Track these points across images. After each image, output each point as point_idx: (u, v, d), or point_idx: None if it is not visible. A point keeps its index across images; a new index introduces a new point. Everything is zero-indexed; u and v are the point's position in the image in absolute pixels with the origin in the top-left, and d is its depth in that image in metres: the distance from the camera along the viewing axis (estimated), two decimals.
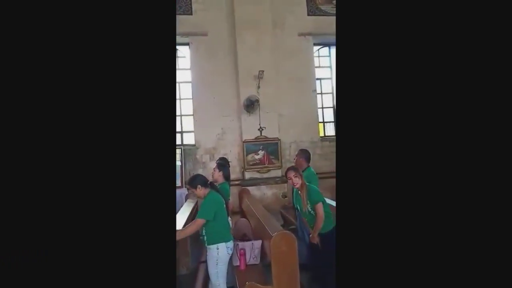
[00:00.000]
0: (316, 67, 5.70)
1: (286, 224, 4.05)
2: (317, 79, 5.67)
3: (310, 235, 2.46)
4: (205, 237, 2.10)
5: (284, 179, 5.00)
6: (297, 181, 2.49)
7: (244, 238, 2.86)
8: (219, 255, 2.07)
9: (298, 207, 2.57)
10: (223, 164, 2.99)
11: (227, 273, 2.29)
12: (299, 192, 2.54)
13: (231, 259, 2.30)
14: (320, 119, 5.70)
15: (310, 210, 2.44)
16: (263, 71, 4.80)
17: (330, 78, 5.87)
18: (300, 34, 5.44)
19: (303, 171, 3.21)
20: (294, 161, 3.44)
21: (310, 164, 3.31)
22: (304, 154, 3.29)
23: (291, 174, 2.52)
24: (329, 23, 5.53)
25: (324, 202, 2.46)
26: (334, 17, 5.49)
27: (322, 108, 5.77)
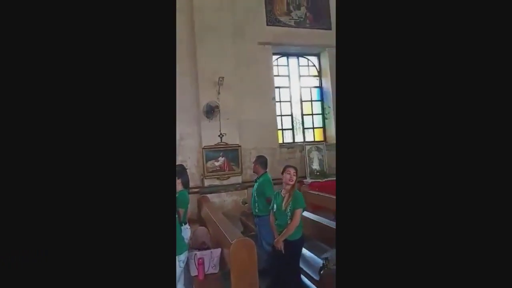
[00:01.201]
0: (275, 75, 5.86)
1: (246, 230, 4.04)
2: (276, 87, 5.83)
3: (275, 240, 2.44)
4: None
5: (244, 185, 5.04)
6: (294, 179, 2.49)
7: (203, 246, 2.80)
8: None
9: (275, 206, 2.53)
10: (181, 171, 2.90)
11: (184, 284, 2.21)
12: (282, 192, 2.52)
13: (188, 271, 2.22)
14: (279, 127, 5.85)
15: (288, 212, 2.41)
16: (223, 77, 4.80)
17: (289, 87, 6.08)
18: (260, 43, 5.56)
19: (259, 177, 3.25)
20: (253, 167, 3.47)
21: (269, 170, 3.36)
22: (260, 160, 3.33)
23: (292, 170, 2.52)
24: (287, 34, 5.75)
25: (304, 210, 2.47)
26: (292, 29, 5.78)
27: (281, 115, 5.93)
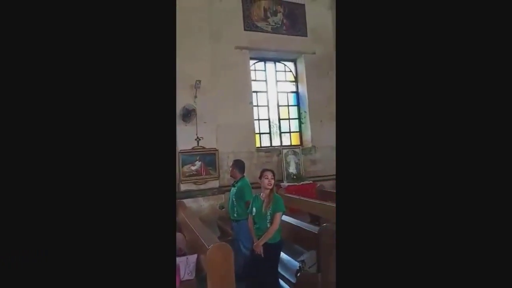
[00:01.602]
0: (253, 80, 5.90)
1: (223, 235, 4.00)
2: (254, 91, 5.87)
3: (255, 244, 2.43)
4: None
5: (221, 189, 5.00)
6: (272, 183, 2.49)
7: (179, 252, 2.73)
8: None
9: (254, 210, 2.52)
10: None
11: None
12: (262, 195, 2.51)
13: None
14: (256, 131, 5.88)
15: (268, 216, 2.41)
16: (200, 80, 4.76)
17: (266, 92, 6.14)
18: (237, 47, 5.59)
19: (237, 182, 3.23)
20: (230, 171, 3.45)
21: (246, 174, 3.36)
22: (238, 164, 3.31)
23: (270, 174, 2.51)
24: (264, 39, 5.83)
25: (283, 214, 2.48)
26: (269, 34, 5.86)
27: (258, 120, 5.97)
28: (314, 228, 2.52)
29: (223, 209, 4.66)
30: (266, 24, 5.92)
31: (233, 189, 3.21)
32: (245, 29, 5.73)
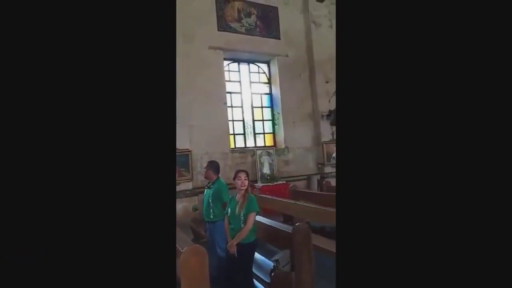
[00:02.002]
0: (227, 81, 5.88)
1: (196, 238, 3.95)
2: (228, 92, 5.85)
3: (229, 244, 2.44)
4: None
5: (195, 191, 4.92)
6: (246, 184, 2.49)
7: None
8: None
9: (229, 210, 2.52)
10: None
11: None
12: (237, 196, 2.51)
13: None
14: (231, 132, 5.87)
15: (242, 216, 2.42)
16: None
17: (240, 93, 6.15)
18: (211, 48, 5.55)
19: (213, 183, 3.21)
20: (204, 172, 3.41)
21: (221, 175, 3.34)
22: (213, 165, 3.27)
23: (243, 175, 2.50)
24: (238, 40, 5.84)
25: (257, 214, 2.49)
26: (243, 35, 5.88)
27: (233, 121, 5.96)
28: (287, 228, 2.57)
29: (197, 211, 4.59)
30: (240, 25, 5.93)
31: (209, 191, 3.17)
32: (218, 30, 5.70)
